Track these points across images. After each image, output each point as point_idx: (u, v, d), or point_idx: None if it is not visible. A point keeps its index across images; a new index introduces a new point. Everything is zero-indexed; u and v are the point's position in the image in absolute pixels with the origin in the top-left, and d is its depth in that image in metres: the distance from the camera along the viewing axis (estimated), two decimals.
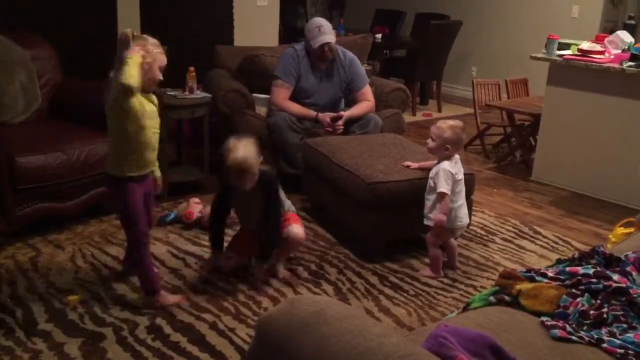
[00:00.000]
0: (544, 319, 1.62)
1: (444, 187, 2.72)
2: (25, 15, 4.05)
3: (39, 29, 3.81)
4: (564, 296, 1.69)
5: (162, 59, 2.39)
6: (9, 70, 3.28)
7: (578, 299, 1.68)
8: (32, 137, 3.10)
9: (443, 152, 2.78)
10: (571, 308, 1.66)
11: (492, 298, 1.79)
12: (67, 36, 4.11)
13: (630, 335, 1.55)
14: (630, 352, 1.49)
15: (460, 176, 2.81)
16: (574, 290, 1.72)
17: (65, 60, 3.74)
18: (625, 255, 1.88)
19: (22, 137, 3.04)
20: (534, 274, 1.86)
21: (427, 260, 3.00)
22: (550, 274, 1.83)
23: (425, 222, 2.83)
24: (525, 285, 1.76)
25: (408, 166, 3.07)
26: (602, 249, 1.92)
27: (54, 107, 3.54)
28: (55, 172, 2.98)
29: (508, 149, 5.04)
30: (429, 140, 2.82)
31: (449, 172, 2.74)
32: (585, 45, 4.13)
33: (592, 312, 1.64)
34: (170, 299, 2.54)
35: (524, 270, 1.92)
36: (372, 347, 1.12)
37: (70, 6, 4.22)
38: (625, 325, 1.58)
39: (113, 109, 2.32)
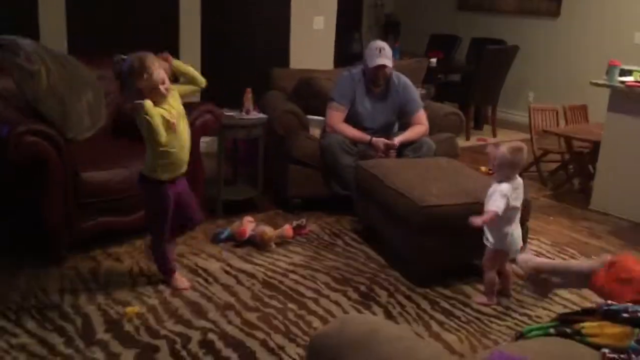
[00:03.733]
0: (605, 350, 1.56)
1: (493, 206, 2.68)
2: (92, 37, 4.26)
3: (105, 51, 4.00)
4: (633, 343, 1.61)
5: (158, 74, 2.51)
6: (77, 89, 3.45)
7: None
8: (96, 154, 3.23)
9: (499, 173, 2.76)
10: None
11: (551, 330, 1.73)
12: None
13: None
14: None
15: (517, 204, 2.77)
16: None
17: None
18: None
19: (86, 153, 3.17)
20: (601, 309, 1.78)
21: (480, 287, 2.96)
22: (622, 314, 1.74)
23: (484, 241, 2.80)
24: (589, 323, 1.70)
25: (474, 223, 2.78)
26: None
27: (117, 125, 3.68)
28: (116, 187, 3.09)
29: (566, 177, 4.91)
30: (491, 162, 2.84)
31: (505, 193, 2.71)
32: None
33: None
34: (180, 283, 2.82)
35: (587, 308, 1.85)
36: None
37: (135, 29, 4.41)
38: None
39: (141, 125, 2.54)
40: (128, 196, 3.14)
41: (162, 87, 2.52)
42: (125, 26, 4.42)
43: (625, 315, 1.67)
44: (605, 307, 1.73)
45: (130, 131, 3.57)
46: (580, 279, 2.18)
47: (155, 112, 2.48)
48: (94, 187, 3.03)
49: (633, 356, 1.52)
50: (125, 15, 4.44)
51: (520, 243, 2.85)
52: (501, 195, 2.70)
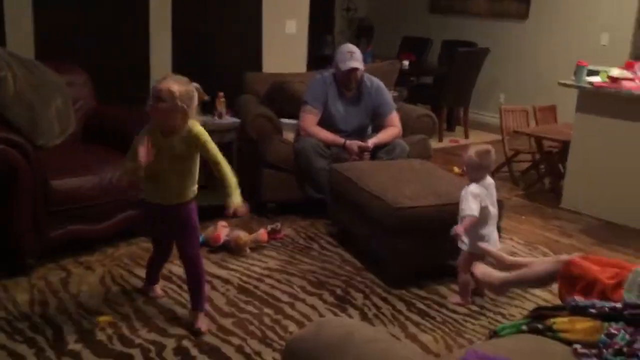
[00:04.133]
0: (576, 346, 1.58)
1: (468, 210, 2.71)
2: (61, 43, 4.19)
3: (74, 56, 3.94)
4: (603, 337, 1.64)
5: (156, 86, 2.35)
6: (45, 95, 3.40)
7: (615, 339, 1.62)
8: (66, 161, 3.18)
9: (469, 175, 2.80)
10: (610, 350, 1.61)
11: (524, 327, 1.75)
12: (102, 67, 4.23)
13: None
14: None
15: (489, 204, 2.79)
16: (612, 331, 1.66)
17: (99, 87, 3.84)
18: None
19: (56, 160, 3.12)
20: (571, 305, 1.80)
21: (454, 287, 2.98)
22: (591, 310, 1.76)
23: (459, 245, 2.81)
24: (560, 319, 1.73)
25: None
26: None
27: (87, 132, 3.63)
28: (87, 194, 3.05)
29: (537, 176, 4.99)
30: (463, 166, 2.88)
31: (476, 193, 2.74)
32: (616, 72, 4.11)
33: (625, 349, 1.59)
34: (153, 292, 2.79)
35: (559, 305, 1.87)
36: None
37: (104, 35, 4.35)
38: None
39: None
40: (99, 203, 3.10)
41: (148, 103, 2.33)
42: (93, 30, 4.35)
43: (592, 310, 1.70)
44: (573, 303, 1.76)
45: (100, 138, 3.54)
46: (543, 281, 2.20)
47: (133, 147, 2.38)
48: (64, 195, 2.98)
49: (604, 350, 1.54)
50: (93, 19, 4.38)
51: (498, 245, 2.87)
52: (472, 197, 2.73)
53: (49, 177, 2.92)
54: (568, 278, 1.97)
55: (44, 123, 3.29)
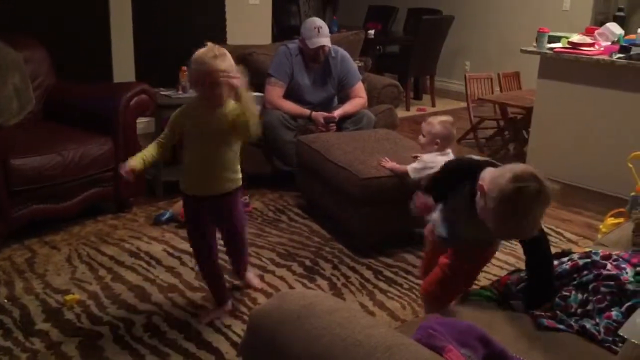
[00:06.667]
0: (532, 311, 1.64)
1: (410, 167, 2.86)
2: (17, 17, 4.07)
3: (32, 31, 3.83)
4: (557, 299, 1.70)
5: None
6: (2, 72, 3.30)
7: (569, 301, 1.69)
8: (27, 139, 3.12)
9: (433, 147, 2.81)
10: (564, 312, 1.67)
11: (488, 293, 1.81)
12: (60, 38, 4.13)
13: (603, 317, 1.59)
14: (602, 330, 1.53)
15: None
16: (564, 293, 1.72)
17: (58, 63, 3.75)
18: (618, 254, 1.87)
19: (16, 139, 3.06)
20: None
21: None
22: None
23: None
24: None
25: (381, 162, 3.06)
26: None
27: (47, 109, 3.55)
28: (50, 173, 3.00)
29: (502, 142, 5.06)
30: (421, 137, 2.86)
31: (424, 161, 2.80)
32: (575, 37, 4.16)
33: (579, 310, 1.66)
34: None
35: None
36: (360, 338, 1.14)
37: (62, 8, 4.23)
38: (603, 314, 1.61)
39: None
40: (62, 182, 3.06)
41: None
42: (50, 2, 4.23)
43: None
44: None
45: (61, 115, 3.47)
46: None
47: None
48: (26, 174, 2.92)
49: (558, 312, 1.60)
50: None
51: None
52: (419, 164, 2.81)
53: (9, 157, 2.86)
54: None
55: (1, 101, 3.21)
